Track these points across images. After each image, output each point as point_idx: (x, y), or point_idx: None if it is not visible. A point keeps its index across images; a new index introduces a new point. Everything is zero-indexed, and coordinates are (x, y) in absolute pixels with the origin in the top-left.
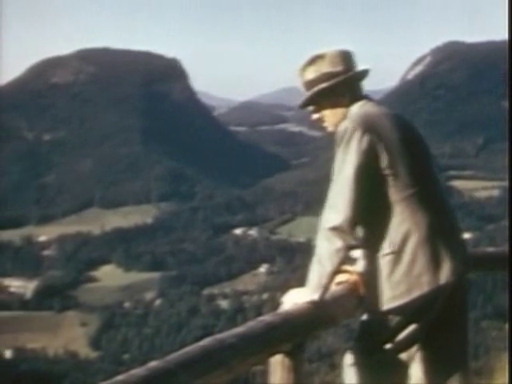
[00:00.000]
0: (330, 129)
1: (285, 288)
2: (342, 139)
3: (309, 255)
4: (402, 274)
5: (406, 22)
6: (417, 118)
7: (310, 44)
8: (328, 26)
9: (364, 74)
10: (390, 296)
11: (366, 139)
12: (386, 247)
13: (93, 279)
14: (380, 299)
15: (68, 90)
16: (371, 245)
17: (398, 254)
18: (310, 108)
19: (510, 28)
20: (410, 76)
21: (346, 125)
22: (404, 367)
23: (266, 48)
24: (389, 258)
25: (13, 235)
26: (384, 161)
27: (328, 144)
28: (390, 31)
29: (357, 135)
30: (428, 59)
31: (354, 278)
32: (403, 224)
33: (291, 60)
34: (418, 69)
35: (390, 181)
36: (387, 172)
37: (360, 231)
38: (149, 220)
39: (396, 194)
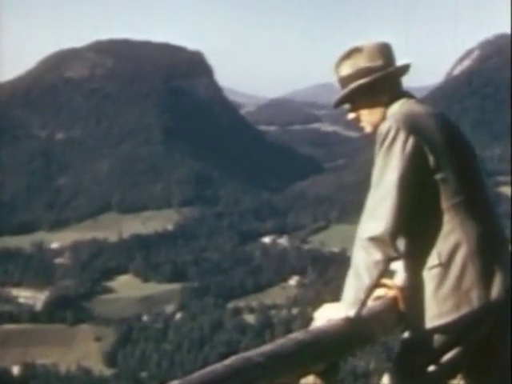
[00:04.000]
0: (368, 129)
1: (317, 302)
2: (384, 141)
3: (344, 267)
4: (450, 289)
5: (450, 11)
6: (463, 118)
7: (346, 37)
8: (367, 18)
9: (405, 69)
10: (436, 313)
11: (410, 141)
12: (433, 259)
13: (109, 290)
14: (424, 316)
15: (84, 85)
16: (415, 257)
17: (445, 266)
18: (346, 106)
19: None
20: (456, 72)
21: (388, 125)
22: None
23: (298, 40)
24: (435, 271)
25: (23, 242)
26: (430, 165)
27: (366, 145)
28: (433, 22)
29: (401, 137)
30: (476, 53)
31: (393, 292)
32: (452, 234)
33: (326, 54)
34: (465, 64)
35: (437, 187)
36: (434, 177)
37: (402, 242)
38: (170, 226)
39: (443, 202)
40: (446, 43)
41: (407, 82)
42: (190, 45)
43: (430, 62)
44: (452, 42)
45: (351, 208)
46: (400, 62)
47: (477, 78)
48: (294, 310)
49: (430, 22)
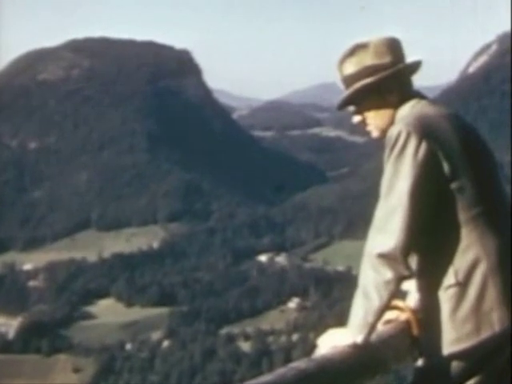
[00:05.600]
0: (376, 134)
1: (320, 327)
2: (394, 147)
3: (350, 287)
4: (469, 311)
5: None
6: (480, 120)
7: (350, 32)
8: (373, 13)
9: (416, 66)
10: (454, 337)
11: (423, 146)
12: (450, 278)
13: (88, 315)
14: (440, 341)
15: (59, 88)
16: (429, 275)
17: (463, 286)
18: (351, 108)
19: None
20: (472, 68)
21: (398, 129)
22: None
23: (297, 37)
24: (453, 290)
25: None
26: (445, 173)
27: (373, 151)
28: (446, 16)
29: (413, 142)
30: (494, 48)
31: (405, 315)
32: (470, 249)
33: (327, 51)
34: (482, 60)
35: (453, 197)
36: (449, 187)
37: (415, 259)
38: (156, 244)
39: (461, 214)
40: (461, 38)
41: (417, 80)
42: (177, 43)
43: (442, 59)
44: (467, 36)
45: (357, 221)
46: (410, 58)
47: (495, 75)
48: (295, 336)
49: (442, 15)
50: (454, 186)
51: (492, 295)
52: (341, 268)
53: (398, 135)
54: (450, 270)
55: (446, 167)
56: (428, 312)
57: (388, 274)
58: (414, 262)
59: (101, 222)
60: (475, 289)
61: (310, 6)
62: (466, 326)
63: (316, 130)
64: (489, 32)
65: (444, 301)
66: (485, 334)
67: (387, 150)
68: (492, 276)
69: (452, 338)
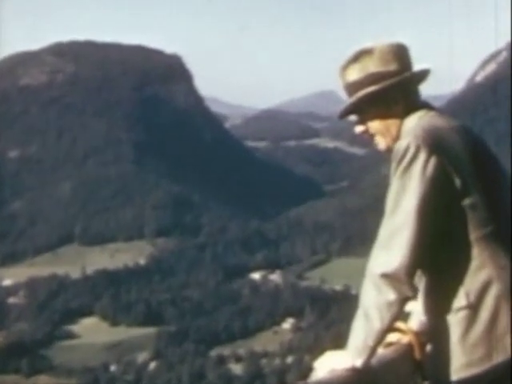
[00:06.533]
0: (381, 146)
1: (316, 349)
2: (402, 160)
3: (348, 307)
4: (481, 334)
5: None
6: (488, 131)
7: (352, 38)
8: (374, 16)
9: (423, 74)
10: (464, 362)
11: (433, 161)
12: (460, 300)
13: (71, 335)
14: (449, 366)
15: (42, 94)
16: (438, 296)
17: (475, 308)
18: (353, 118)
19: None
20: (480, 77)
21: (407, 142)
22: None
23: (292, 42)
24: (463, 313)
25: None
26: (456, 189)
27: (373, 164)
28: (452, 21)
29: (422, 156)
30: (503, 56)
31: (407, 338)
32: (482, 270)
33: (325, 58)
34: (490, 68)
35: (464, 215)
36: (460, 203)
37: (423, 279)
38: (142, 260)
39: (471, 232)
40: (467, 44)
41: (421, 89)
42: (167, 47)
43: (447, 66)
44: (473, 43)
45: (356, 238)
46: (417, 66)
47: (503, 84)
48: (289, 359)
49: (446, 19)
50: (464, 202)
51: (505, 318)
52: (338, 287)
53: (407, 148)
54: (461, 291)
55: (456, 183)
56: (436, 335)
57: (391, 295)
58: (421, 282)
59: (84, 237)
60: (488, 311)
61: (309, 11)
62: (478, 351)
63: (313, 141)
64: (497, 39)
65: (454, 324)
66: (497, 359)
67: (394, 164)
68: (505, 298)
69: (462, 363)
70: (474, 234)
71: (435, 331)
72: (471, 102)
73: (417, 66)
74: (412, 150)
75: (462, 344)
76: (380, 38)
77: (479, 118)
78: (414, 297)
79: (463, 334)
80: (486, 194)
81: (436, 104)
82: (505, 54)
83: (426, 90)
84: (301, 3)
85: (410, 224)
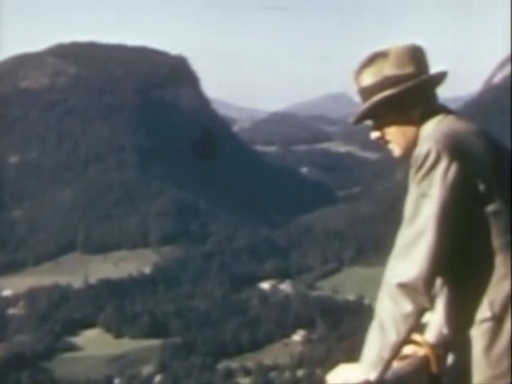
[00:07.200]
0: (397, 152)
1: (328, 362)
2: (422, 166)
3: (361, 318)
4: (506, 347)
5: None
6: (505, 136)
7: (363, 39)
8: (389, 17)
9: (441, 77)
10: (489, 375)
11: (454, 167)
12: (484, 311)
13: (73, 347)
14: (472, 379)
15: (43, 97)
16: (461, 308)
17: (499, 319)
18: (369, 123)
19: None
20: (497, 79)
21: (427, 148)
22: None
23: (304, 44)
24: (488, 325)
25: None
26: (478, 195)
27: (387, 169)
28: (468, 20)
29: (443, 161)
30: None
31: (424, 351)
32: (506, 279)
33: (339, 60)
34: (507, 70)
35: (487, 222)
36: (483, 210)
37: (444, 290)
38: (147, 269)
39: (495, 240)
40: (484, 45)
41: (439, 92)
42: (172, 49)
43: (464, 68)
44: (491, 44)
45: (369, 246)
46: (434, 68)
47: None
48: (300, 372)
49: (463, 19)
50: (487, 209)
51: None
52: (351, 297)
53: (427, 154)
54: (485, 301)
55: (478, 189)
56: (459, 348)
57: (408, 307)
58: (443, 293)
59: (87, 245)
60: None
61: (319, 11)
62: (503, 364)
63: (324, 145)
64: None
65: (477, 336)
66: None
67: (413, 170)
68: None
69: (486, 376)
70: (497, 242)
71: (458, 343)
72: (488, 103)
73: (434, 69)
74: (433, 156)
75: (487, 357)
76: (395, 41)
77: (496, 120)
78: (431, 308)
79: (488, 347)
80: (507, 201)
81: (452, 106)
82: None
83: (441, 91)
84: (311, 3)
85: (429, 232)
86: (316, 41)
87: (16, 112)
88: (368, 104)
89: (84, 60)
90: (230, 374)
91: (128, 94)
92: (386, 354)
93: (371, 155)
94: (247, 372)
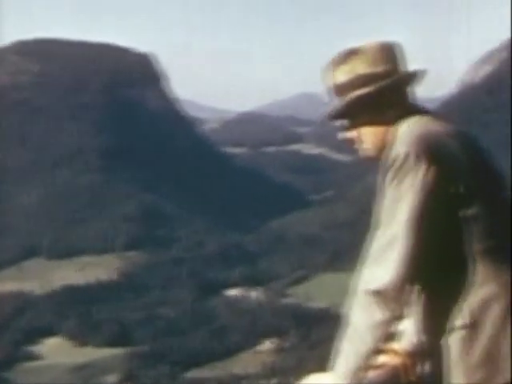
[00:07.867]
0: (370, 153)
1: (300, 372)
2: (398, 170)
3: (333, 327)
4: (482, 355)
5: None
6: (484, 136)
7: (339, 36)
8: (363, 16)
9: (417, 76)
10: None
11: (432, 170)
12: (461, 318)
13: (34, 356)
14: None
15: (5, 96)
16: (437, 314)
17: (476, 327)
18: (341, 123)
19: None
20: (476, 79)
21: (403, 150)
22: None
23: (273, 42)
24: (464, 332)
25: None
26: (456, 200)
27: (362, 172)
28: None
29: (419, 164)
30: (499, 56)
31: (399, 359)
32: (484, 286)
33: (309, 58)
34: (486, 69)
35: (465, 227)
36: (461, 215)
37: (421, 296)
38: (113, 275)
39: (474, 245)
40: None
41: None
42: (138, 46)
43: (440, 67)
44: (468, 42)
45: (344, 252)
46: (410, 67)
47: (500, 86)
48: (272, 381)
49: (438, 17)
50: (466, 213)
51: (507, 339)
52: (323, 305)
53: (405, 157)
54: (462, 308)
55: (457, 193)
56: (435, 355)
57: (379, 315)
58: (419, 299)
59: (51, 250)
60: (489, 331)
61: (292, 9)
62: (479, 372)
63: (296, 147)
64: (493, 38)
65: (453, 344)
66: (499, 381)
67: (390, 173)
68: (507, 317)
69: None
70: (476, 248)
71: (434, 351)
72: (467, 104)
73: (410, 67)
74: (411, 159)
75: (463, 365)
76: (370, 39)
77: (475, 121)
78: (403, 315)
79: (464, 355)
80: (487, 205)
81: (429, 107)
82: (503, 54)
83: (417, 91)
84: (285, 1)
85: (405, 236)
86: (288, 39)
87: None
88: (345, 101)
89: (47, 57)
90: None
91: (93, 93)
92: (360, 362)
93: (344, 157)
94: (217, 381)
